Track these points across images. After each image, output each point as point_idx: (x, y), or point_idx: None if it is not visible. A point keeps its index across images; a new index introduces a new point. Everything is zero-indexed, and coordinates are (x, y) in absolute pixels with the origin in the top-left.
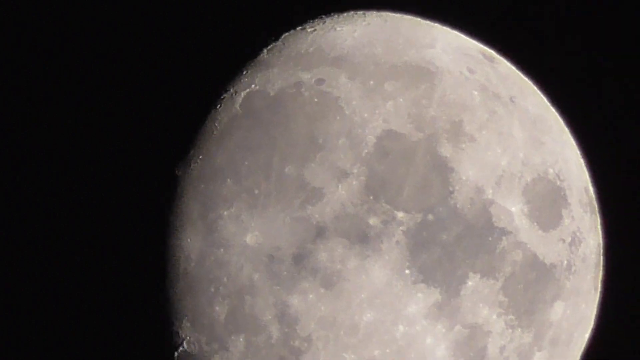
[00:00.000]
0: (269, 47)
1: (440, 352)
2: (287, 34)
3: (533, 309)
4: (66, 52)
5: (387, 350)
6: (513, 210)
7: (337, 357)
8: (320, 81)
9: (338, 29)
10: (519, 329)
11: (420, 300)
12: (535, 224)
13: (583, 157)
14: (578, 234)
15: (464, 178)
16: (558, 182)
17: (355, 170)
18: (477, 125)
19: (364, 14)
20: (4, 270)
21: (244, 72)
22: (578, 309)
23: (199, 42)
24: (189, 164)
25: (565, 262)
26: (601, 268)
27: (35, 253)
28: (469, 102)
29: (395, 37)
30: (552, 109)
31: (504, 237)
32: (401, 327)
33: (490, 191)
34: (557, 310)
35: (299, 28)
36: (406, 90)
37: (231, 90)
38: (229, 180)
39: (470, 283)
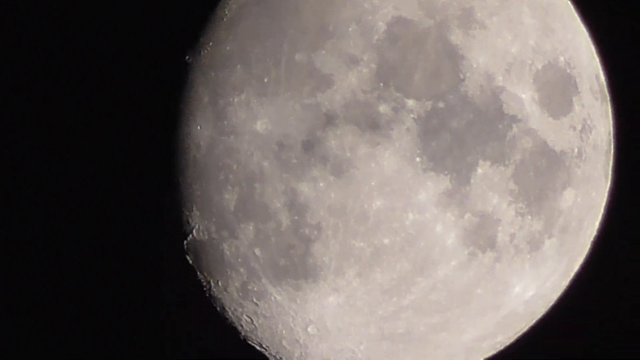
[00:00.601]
0: None
1: (450, 240)
2: None
3: (543, 196)
4: None
5: (397, 238)
6: (523, 97)
7: (347, 244)
8: None
9: None
10: (529, 217)
11: (430, 188)
12: (545, 111)
13: (594, 44)
14: (589, 121)
15: (474, 65)
16: (568, 70)
17: (366, 58)
18: (487, 12)
19: None
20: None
21: None
22: (588, 197)
23: None
24: (199, 51)
25: (576, 149)
26: (611, 155)
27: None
28: None
29: None
30: None
31: (514, 125)
32: (411, 215)
33: (501, 78)
34: (568, 198)
35: None
36: None
37: None
38: (238, 67)
39: (480, 170)
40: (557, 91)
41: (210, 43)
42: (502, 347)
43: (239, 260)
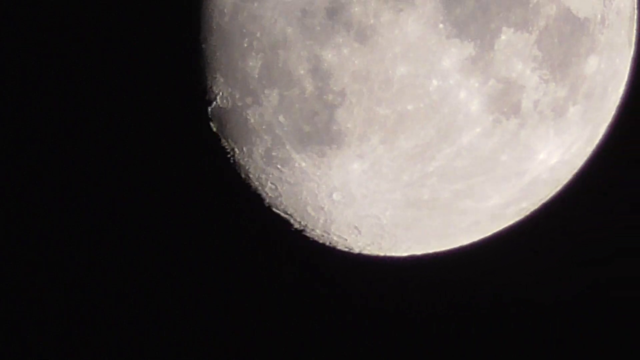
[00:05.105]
0: None
1: (474, 106)
2: None
3: (567, 62)
4: None
5: (421, 105)
6: None
7: (371, 111)
8: None
9: None
10: (553, 83)
11: (453, 55)
12: None
13: None
14: None
15: None
16: None
17: None
18: None
19: None
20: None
21: None
22: (612, 63)
23: None
24: None
25: (599, 15)
26: (635, 22)
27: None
28: None
29: None
30: None
31: None
32: (435, 82)
33: None
34: (591, 64)
35: None
36: None
37: None
38: None
39: (504, 37)
40: None
41: None
42: (527, 214)
43: (263, 126)
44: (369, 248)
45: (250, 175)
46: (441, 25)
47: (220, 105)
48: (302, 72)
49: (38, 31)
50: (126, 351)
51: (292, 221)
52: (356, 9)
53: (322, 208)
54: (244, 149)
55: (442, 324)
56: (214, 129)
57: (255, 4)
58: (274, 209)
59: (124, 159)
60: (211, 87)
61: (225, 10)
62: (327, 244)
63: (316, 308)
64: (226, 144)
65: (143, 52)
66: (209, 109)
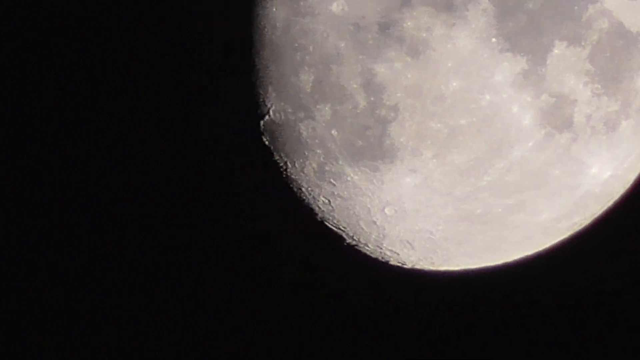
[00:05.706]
0: None
1: (526, 120)
2: None
3: (619, 77)
4: None
5: (473, 119)
6: None
7: (424, 125)
8: None
9: None
10: (606, 98)
11: (506, 69)
12: None
13: None
14: None
15: None
16: None
17: None
18: None
19: None
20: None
21: None
22: None
23: None
24: None
25: None
26: None
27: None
28: None
29: None
30: None
31: (590, 5)
32: (487, 96)
33: None
34: None
35: None
36: None
37: None
38: None
39: (556, 51)
40: None
41: None
42: (579, 229)
43: (316, 141)
44: (421, 263)
45: (303, 190)
46: (494, 40)
47: (273, 119)
48: (354, 86)
49: (80, 42)
50: (131, 351)
51: (344, 236)
52: (408, 23)
53: (375, 222)
54: (297, 163)
55: (496, 337)
56: (267, 143)
57: (307, 19)
58: (327, 224)
59: (177, 171)
60: (264, 101)
61: (278, 25)
62: (380, 258)
63: (369, 321)
64: (279, 158)
65: (197, 66)
66: (262, 123)
